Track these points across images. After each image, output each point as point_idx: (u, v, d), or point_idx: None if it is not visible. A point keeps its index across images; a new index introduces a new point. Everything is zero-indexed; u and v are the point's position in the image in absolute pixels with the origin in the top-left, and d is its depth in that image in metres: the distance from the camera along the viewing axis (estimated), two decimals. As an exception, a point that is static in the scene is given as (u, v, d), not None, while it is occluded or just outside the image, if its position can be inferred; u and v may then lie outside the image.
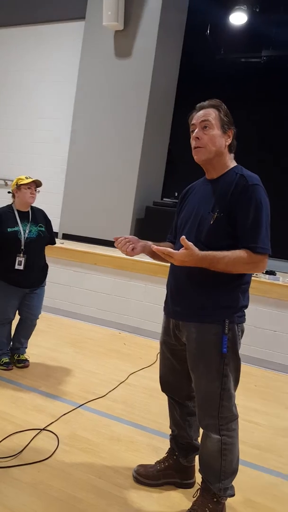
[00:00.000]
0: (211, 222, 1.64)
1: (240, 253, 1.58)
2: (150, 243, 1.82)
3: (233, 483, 1.79)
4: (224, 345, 1.63)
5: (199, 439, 1.91)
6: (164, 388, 1.97)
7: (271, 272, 4.02)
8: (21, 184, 2.88)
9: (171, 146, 5.89)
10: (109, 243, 5.16)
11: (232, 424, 1.72)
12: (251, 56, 6.41)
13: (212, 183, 1.74)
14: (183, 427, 1.95)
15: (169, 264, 1.85)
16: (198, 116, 1.70)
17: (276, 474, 2.20)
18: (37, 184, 2.94)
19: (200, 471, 1.80)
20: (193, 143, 1.71)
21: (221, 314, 1.66)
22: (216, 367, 1.66)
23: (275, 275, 3.96)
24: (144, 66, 5.05)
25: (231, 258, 1.57)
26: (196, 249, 1.55)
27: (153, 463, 2.05)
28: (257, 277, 3.85)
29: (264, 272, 4.08)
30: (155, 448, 2.27)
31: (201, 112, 1.70)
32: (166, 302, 1.85)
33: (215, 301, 1.66)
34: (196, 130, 1.69)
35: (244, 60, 6.49)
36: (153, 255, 1.85)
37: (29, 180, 2.88)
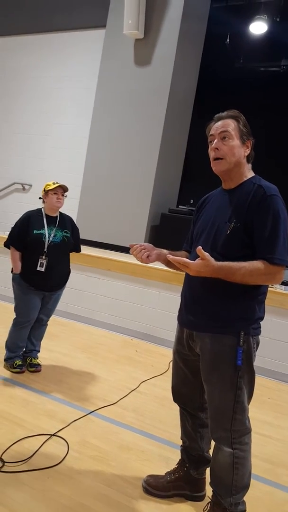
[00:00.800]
0: (228, 232, 1.62)
1: (257, 264, 1.55)
2: (165, 251, 1.82)
3: (245, 498, 1.75)
4: (239, 357, 1.61)
5: (211, 451, 1.88)
6: (176, 398, 1.94)
7: (287, 283, 3.95)
8: (48, 190, 2.97)
9: (188, 154, 5.88)
10: (124, 249, 5.16)
11: (245, 438, 1.68)
12: (271, 65, 6.39)
13: (229, 193, 1.73)
14: (195, 439, 1.92)
15: (184, 272, 1.84)
16: (217, 127, 1.69)
17: (284, 489, 2.14)
18: (63, 189, 3.02)
19: (211, 484, 1.77)
20: (212, 154, 1.70)
21: (236, 326, 1.63)
22: (230, 380, 1.63)
23: (291, 286, 3.89)
24: (163, 75, 5.08)
25: (248, 269, 1.55)
26: (212, 260, 1.53)
27: (163, 473, 2.02)
28: (272, 287, 3.79)
29: (280, 282, 4.02)
30: (165, 458, 2.24)
31: (220, 122, 1.69)
32: (180, 311, 1.84)
33: (230, 312, 1.64)
34: (215, 141, 1.68)
35: (263, 69, 6.47)
36: (168, 263, 1.84)
37: (55, 186, 2.97)
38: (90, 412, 2.63)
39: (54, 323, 4.18)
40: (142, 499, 1.92)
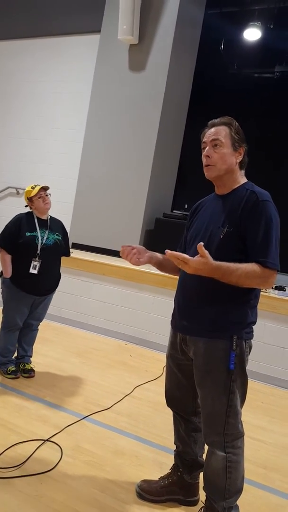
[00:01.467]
0: (221, 237, 1.64)
1: (253, 266, 1.57)
2: (157, 254, 1.84)
3: (238, 502, 1.75)
4: (232, 361, 1.62)
5: (204, 456, 1.88)
6: (169, 403, 1.95)
7: (280, 288, 3.98)
8: (32, 197, 2.95)
9: (182, 159, 5.92)
10: (118, 254, 5.17)
11: (237, 442, 1.69)
12: (264, 71, 6.47)
13: (222, 199, 1.75)
14: (188, 443, 1.93)
15: (177, 277, 1.85)
16: (209, 134, 1.72)
17: (282, 495, 2.15)
18: (45, 189, 2.99)
19: (204, 488, 1.77)
20: (204, 160, 1.73)
21: (229, 330, 1.64)
22: (223, 384, 1.64)
23: (284, 290, 3.92)
24: (157, 80, 5.11)
25: (244, 270, 1.56)
26: (211, 258, 1.53)
27: (157, 478, 2.02)
28: (266, 292, 3.82)
29: (273, 287, 4.05)
30: (159, 463, 2.24)
31: (212, 130, 1.71)
32: (173, 315, 1.85)
33: (223, 316, 1.65)
34: (207, 148, 1.71)
35: (257, 76, 6.55)
36: (160, 266, 1.88)
37: (36, 190, 2.93)
38: (84, 417, 2.62)
39: (48, 328, 4.17)
40: (136, 504, 1.92)
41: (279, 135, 5.86)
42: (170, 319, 1.87)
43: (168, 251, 1.59)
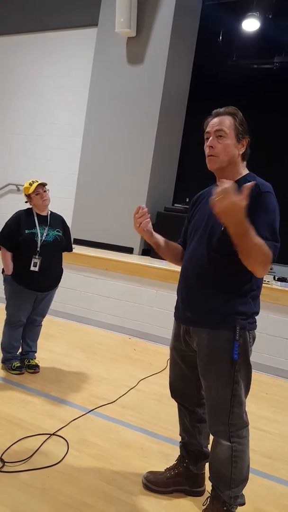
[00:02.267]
0: (222, 228, 1.61)
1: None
2: (159, 236, 1.90)
3: (244, 492, 1.76)
4: (235, 351, 1.62)
5: (209, 446, 1.89)
6: (174, 394, 1.96)
7: (283, 279, 3.98)
8: (30, 194, 2.94)
9: (183, 152, 5.90)
10: (120, 249, 5.18)
11: (242, 431, 1.70)
12: (264, 62, 6.41)
13: None
14: (193, 434, 1.94)
15: (179, 269, 1.85)
16: (213, 124, 1.68)
17: (287, 484, 2.17)
18: (43, 185, 2.98)
19: (210, 478, 1.79)
20: (206, 150, 1.70)
21: (232, 320, 1.64)
22: (227, 374, 1.65)
23: (287, 282, 3.92)
24: (156, 73, 5.09)
25: (260, 242, 1.48)
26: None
27: (163, 470, 2.04)
28: (268, 284, 3.82)
29: (276, 279, 4.05)
30: (165, 455, 2.26)
31: (216, 119, 1.68)
32: (176, 308, 1.85)
33: (227, 307, 1.65)
34: (210, 139, 1.68)
35: (256, 66, 6.49)
36: (158, 248, 1.92)
37: (34, 187, 2.91)
38: (90, 411, 2.64)
39: (52, 324, 4.19)
40: (142, 495, 1.94)
41: (279, 127, 5.82)
42: (173, 312, 1.88)
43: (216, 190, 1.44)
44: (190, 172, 5.95)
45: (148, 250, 5.10)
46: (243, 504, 1.76)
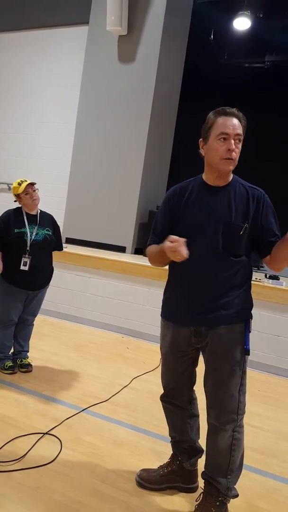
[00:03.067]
0: (241, 233, 1.70)
1: None
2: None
3: (236, 487, 1.79)
4: (248, 342, 1.73)
5: (200, 441, 1.91)
6: (167, 397, 1.95)
7: (274, 277, 4.01)
8: (19, 194, 2.93)
9: (175, 151, 5.91)
10: (112, 247, 5.17)
11: (243, 420, 1.78)
12: (255, 61, 6.44)
13: (219, 191, 1.74)
14: (185, 431, 1.96)
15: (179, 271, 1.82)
16: (233, 126, 1.64)
17: (279, 479, 2.19)
18: (32, 184, 2.95)
19: (205, 471, 1.82)
20: (224, 153, 1.66)
21: (244, 314, 1.75)
22: (239, 365, 1.73)
23: (278, 279, 3.95)
24: (147, 71, 5.09)
25: None
26: None
27: (156, 467, 2.05)
28: (260, 282, 3.85)
29: (267, 276, 4.08)
30: (158, 452, 2.27)
31: (236, 122, 1.66)
32: (178, 309, 1.81)
33: (240, 302, 1.75)
34: (232, 142, 1.65)
35: (247, 65, 6.52)
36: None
37: (23, 187, 2.89)
38: (83, 410, 2.64)
39: (44, 323, 4.17)
40: (136, 493, 1.95)
41: (271, 124, 5.86)
42: (168, 313, 1.85)
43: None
44: (182, 171, 5.96)
45: (140, 249, 5.11)
46: (237, 495, 1.79)
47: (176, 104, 5.79)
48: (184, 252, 1.57)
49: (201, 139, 1.74)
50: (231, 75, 6.10)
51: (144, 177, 5.16)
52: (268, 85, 6.05)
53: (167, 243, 1.59)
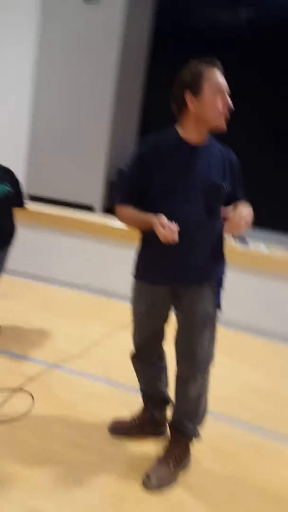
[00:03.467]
0: (222, 194, 1.72)
1: None
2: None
3: (201, 431, 1.92)
4: (220, 298, 1.81)
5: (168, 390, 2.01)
6: (139, 357, 2.00)
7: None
8: None
9: (146, 105, 5.68)
10: (79, 206, 5.06)
11: (211, 367, 1.87)
12: (233, 14, 6.15)
13: (200, 150, 1.70)
14: (157, 385, 2.04)
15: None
16: (224, 83, 1.63)
17: (238, 424, 2.36)
18: None
19: (173, 420, 1.91)
20: (223, 109, 1.63)
21: (219, 272, 1.82)
22: (211, 319, 1.80)
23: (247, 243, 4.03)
24: (114, 13, 4.75)
25: None
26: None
27: (128, 418, 2.14)
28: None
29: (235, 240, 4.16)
30: (130, 404, 2.34)
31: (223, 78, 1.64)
32: (154, 270, 1.79)
33: (215, 261, 1.80)
34: (229, 99, 1.63)
35: (225, 19, 6.21)
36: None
37: None
38: (54, 365, 2.68)
39: (12, 284, 4.11)
40: (108, 441, 2.04)
41: (247, 82, 5.72)
42: (144, 274, 1.84)
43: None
44: (154, 126, 5.77)
45: (110, 210, 5.03)
46: (199, 436, 1.91)
47: (146, 53, 5.50)
48: (176, 239, 1.55)
49: (187, 91, 1.61)
50: (207, 27, 5.83)
51: (112, 132, 4.96)
52: (245, 39, 5.82)
53: (159, 228, 1.54)
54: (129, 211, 1.75)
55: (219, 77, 1.62)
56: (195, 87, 1.60)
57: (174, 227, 1.54)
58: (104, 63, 4.85)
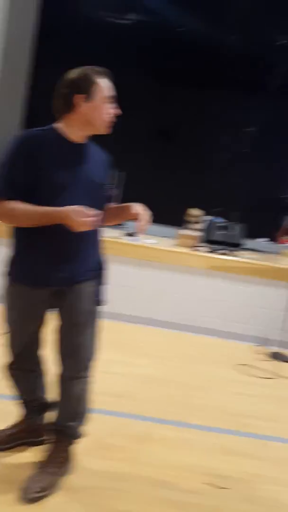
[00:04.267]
0: (104, 192, 1.77)
1: None
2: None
3: (88, 429, 1.88)
4: (100, 294, 1.81)
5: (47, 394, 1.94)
6: (17, 362, 1.85)
7: (131, 234, 4.18)
8: None
9: (30, 106, 5.51)
10: None
11: (93, 363, 1.85)
12: (119, 17, 6.21)
13: (81, 149, 1.69)
14: (34, 391, 1.94)
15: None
16: (114, 92, 1.68)
17: (127, 416, 2.37)
18: None
19: (55, 422, 1.84)
20: (109, 115, 1.67)
21: (100, 268, 1.82)
22: (92, 316, 1.79)
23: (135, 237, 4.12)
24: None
25: None
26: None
27: (3, 427, 1.99)
28: (119, 239, 4.00)
29: (126, 234, 4.24)
30: (4, 412, 2.14)
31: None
32: (35, 271, 1.68)
33: (96, 258, 1.81)
34: (115, 107, 1.69)
35: (111, 20, 6.25)
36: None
37: None
38: None
39: None
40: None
41: (129, 84, 5.85)
42: (26, 276, 1.69)
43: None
44: (38, 124, 5.62)
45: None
46: (82, 435, 1.86)
47: (29, 51, 5.32)
48: (98, 222, 1.57)
49: (79, 93, 1.59)
50: (93, 28, 5.83)
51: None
52: (131, 43, 5.94)
53: (74, 217, 1.49)
54: (20, 205, 1.56)
55: (109, 87, 1.67)
56: (86, 92, 1.61)
57: (90, 211, 1.52)
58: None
